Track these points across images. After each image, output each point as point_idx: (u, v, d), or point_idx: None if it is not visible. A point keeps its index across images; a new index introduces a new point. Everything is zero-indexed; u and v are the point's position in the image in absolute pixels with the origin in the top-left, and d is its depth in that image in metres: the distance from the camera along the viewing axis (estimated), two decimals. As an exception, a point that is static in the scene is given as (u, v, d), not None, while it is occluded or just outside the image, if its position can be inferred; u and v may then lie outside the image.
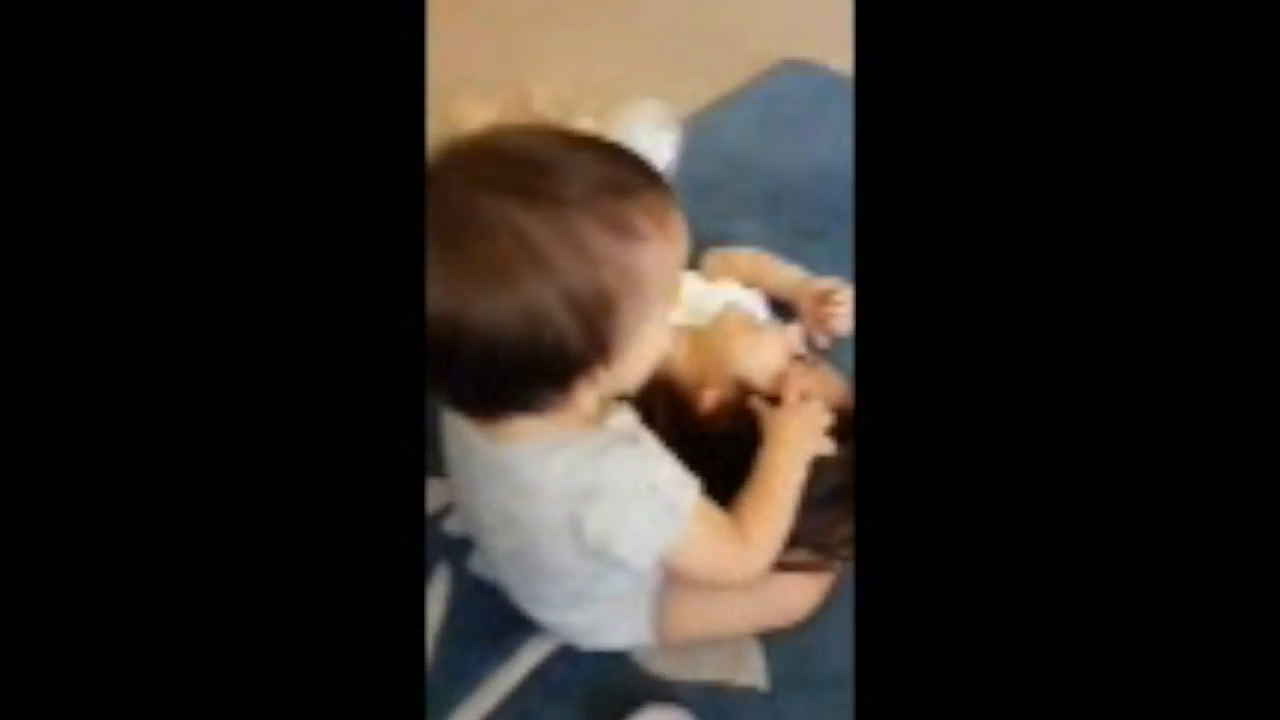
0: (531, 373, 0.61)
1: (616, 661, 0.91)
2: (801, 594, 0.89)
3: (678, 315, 1.03)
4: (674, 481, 0.71)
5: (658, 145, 1.28)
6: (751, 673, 0.92)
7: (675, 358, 0.90)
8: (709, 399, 0.87)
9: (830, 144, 1.49)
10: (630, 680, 0.90)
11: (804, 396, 0.87)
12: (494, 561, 0.84)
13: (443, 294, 0.57)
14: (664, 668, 0.91)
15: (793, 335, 0.94)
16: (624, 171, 0.61)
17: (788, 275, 1.17)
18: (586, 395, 0.64)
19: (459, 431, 0.74)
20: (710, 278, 1.15)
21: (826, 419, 0.86)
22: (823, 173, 1.44)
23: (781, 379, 0.88)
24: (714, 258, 1.20)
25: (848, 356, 1.09)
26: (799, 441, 0.83)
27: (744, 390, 0.89)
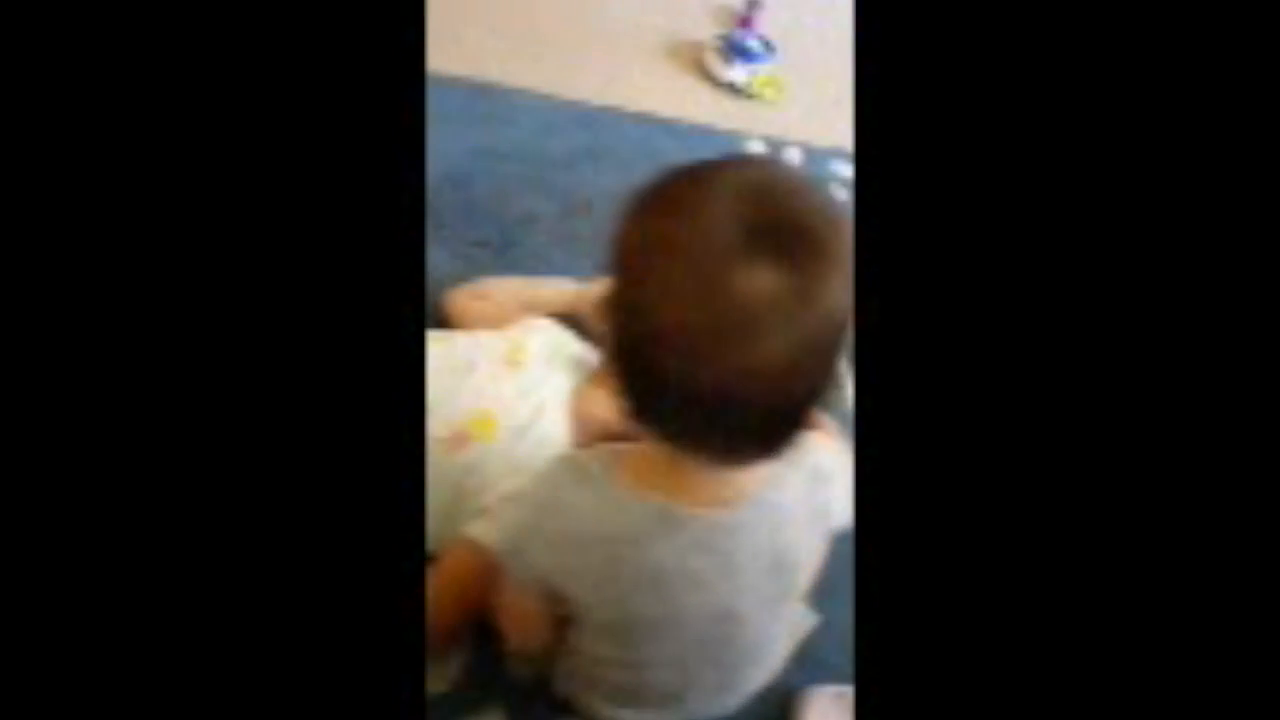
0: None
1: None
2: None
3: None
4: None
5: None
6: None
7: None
8: None
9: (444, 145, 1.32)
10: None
11: None
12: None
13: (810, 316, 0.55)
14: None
15: None
16: None
17: (558, 290, 1.13)
18: None
19: (692, 534, 0.68)
20: (465, 321, 1.11)
21: None
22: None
23: None
24: (462, 297, 1.14)
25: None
26: None
27: None
